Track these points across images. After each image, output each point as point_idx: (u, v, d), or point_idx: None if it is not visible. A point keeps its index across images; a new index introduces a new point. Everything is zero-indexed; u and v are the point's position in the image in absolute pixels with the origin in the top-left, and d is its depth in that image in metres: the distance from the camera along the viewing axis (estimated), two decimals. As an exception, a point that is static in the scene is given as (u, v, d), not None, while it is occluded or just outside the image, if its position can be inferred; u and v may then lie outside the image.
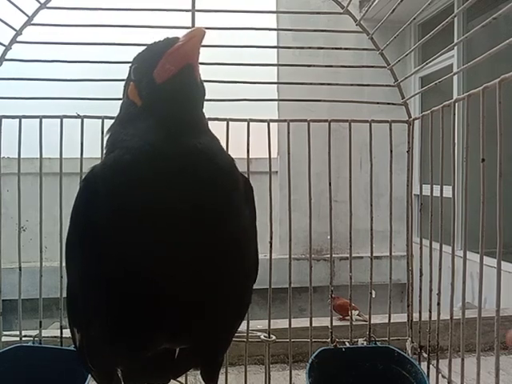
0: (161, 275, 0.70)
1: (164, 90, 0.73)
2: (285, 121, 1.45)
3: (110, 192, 0.70)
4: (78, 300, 0.79)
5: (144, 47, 0.79)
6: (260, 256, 0.90)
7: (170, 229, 0.68)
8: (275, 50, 3.36)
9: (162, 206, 0.68)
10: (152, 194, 0.68)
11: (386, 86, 1.48)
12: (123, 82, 0.84)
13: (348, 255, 1.43)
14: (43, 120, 1.39)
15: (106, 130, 0.83)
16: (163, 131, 0.71)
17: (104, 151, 0.80)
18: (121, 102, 0.84)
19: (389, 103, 1.51)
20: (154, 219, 0.68)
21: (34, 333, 1.39)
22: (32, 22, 1.32)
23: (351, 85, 1.54)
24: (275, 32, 4.10)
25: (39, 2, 1.30)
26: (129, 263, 0.69)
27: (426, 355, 1.33)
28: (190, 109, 0.76)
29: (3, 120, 1.37)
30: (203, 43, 0.71)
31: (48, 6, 1.31)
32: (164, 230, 0.68)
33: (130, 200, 0.68)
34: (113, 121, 0.83)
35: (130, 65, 0.82)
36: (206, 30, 0.70)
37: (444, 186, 1.26)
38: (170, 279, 0.70)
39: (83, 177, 0.76)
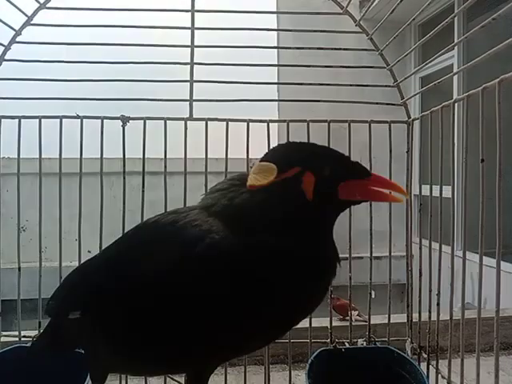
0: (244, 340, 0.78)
1: (329, 205, 0.77)
2: (284, 121, 1.45)
3: (243, 272, 0.69)
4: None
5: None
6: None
7: (284, 312, 0.78)
8: (275, 50, 3.35)
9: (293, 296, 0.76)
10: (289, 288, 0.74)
11: (386, 86, 1.48)
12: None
13: (348, 255, 1.43)
14: (43, 120, 1.39)
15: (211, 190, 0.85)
16: (321, 238, 0.77)
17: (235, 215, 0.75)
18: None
19: (388, 103, 1.51)
20: (280, 304, 0.74)
21: (34, 333, 1.39)
22: (31, 22, 1.32)
23: (351, 85, 1.54)
24: (275, 32, 4.09)
25: (39, 2, 1.30)
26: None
27: (425, 356, 1.33)
28: None
29: (3, 120, 1.37)
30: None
31: (47, 6, 1.31)
32: (280, 313, 0.76)
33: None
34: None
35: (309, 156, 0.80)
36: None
37: (443, 187, 1.26)
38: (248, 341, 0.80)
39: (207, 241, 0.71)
